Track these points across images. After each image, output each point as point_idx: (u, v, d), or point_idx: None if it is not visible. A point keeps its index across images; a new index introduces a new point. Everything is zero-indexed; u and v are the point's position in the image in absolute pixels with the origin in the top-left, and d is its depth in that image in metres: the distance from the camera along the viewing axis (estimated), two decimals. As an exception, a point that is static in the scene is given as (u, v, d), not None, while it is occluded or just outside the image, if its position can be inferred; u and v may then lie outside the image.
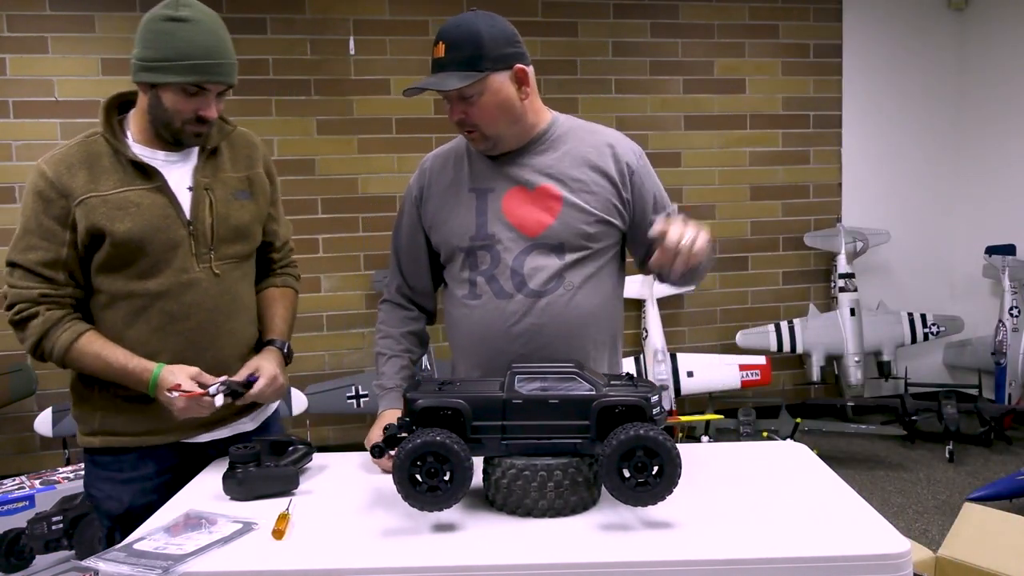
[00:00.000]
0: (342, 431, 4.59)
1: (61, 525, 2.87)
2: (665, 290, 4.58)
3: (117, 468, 1.73)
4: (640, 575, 1.22)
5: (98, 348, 1.64)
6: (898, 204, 5.18)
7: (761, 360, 4.62)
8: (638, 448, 1.30)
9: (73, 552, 2.89)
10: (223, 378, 1.65)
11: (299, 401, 4.03)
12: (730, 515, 1.37)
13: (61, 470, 3.09)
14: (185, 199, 1.69)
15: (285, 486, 1.53)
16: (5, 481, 2.97)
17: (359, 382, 4.25)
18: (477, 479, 1.38)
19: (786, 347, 4.82)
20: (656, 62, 4.87)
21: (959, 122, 5.21)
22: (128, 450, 1.72)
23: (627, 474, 1.31)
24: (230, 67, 1.64)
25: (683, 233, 1.50)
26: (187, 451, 1.76)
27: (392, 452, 1.37)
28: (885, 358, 4.91)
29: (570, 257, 1.68)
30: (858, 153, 5.14)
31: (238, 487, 1.50)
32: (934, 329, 4.92)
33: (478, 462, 1.37)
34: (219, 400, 1.62)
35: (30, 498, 2.84)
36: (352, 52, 4.47)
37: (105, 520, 1.75)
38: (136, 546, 1.29)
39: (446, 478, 1.31)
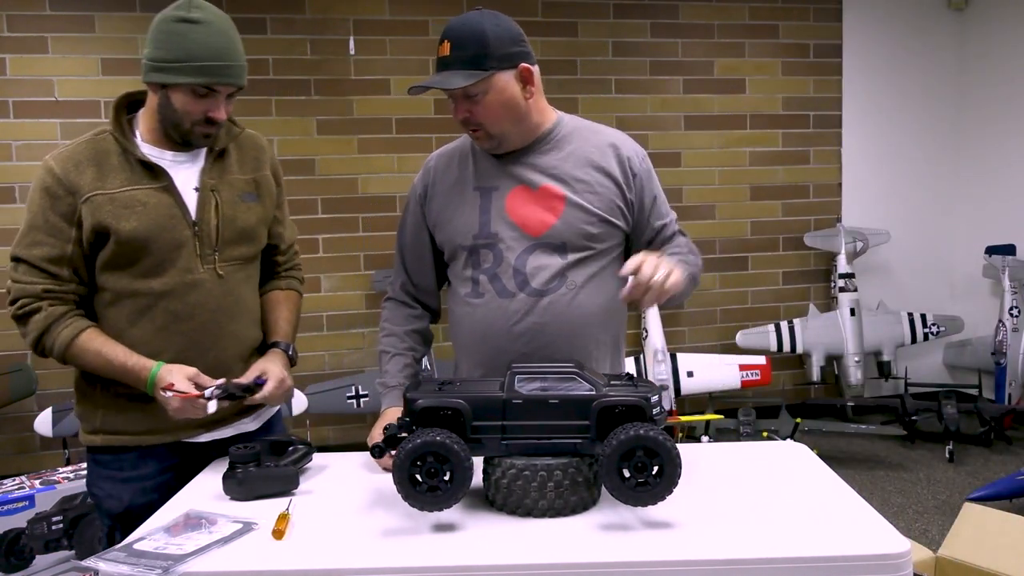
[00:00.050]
0: (342, 431, 4.59)
1: (61, 525, 2.87)
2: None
3: (118, 467, 1.73)
4: (640, 575, 1.22)
5: (99, 345, 1.64)
6: (898, 204, 5.18)
7: (761, 360, 4.62)
8: (638, 448, 1.30)
9: (73, 552, 2.89)
10: (221, 381, 1.64)
11: (299, 401, 4.03)
12: (730, 515, 1.37)
13: (61, 470, 3.08)
14: (191, 200, 1.70)
15: (285, 486, 1.53)
16: (5, 481, 2.96)
17: (359, 382, 4.25)
18: (477, 479, 1.38)
19: (786, 347, 4.82)
20: (656, 62, 4.87)
21: (959, 122, 5.21)
22: (129, 449, 1.72)
23: (627, 474, 1.31)
24: (240, 69, 1.64)
25: (656, 269, 1.50)
26: (188, 450, 1.76)
27: (392, 452, 1.37)
28: (885, 358, 4.91)
29: (573, 257, 1.68)
30: (858, 153, 5.14)
31: (238, 487, 1.50)
32: (934, 329, 4.92)
33: (478, 462, 1.37)
34: (212, 406, 1.60)
35: (30, 498, 2.83)
36: (352, 52, 4.47)
37: (106, 519, 1.76)
38: (136, 546, 1.29)
39: (446, 478, 1.31)
